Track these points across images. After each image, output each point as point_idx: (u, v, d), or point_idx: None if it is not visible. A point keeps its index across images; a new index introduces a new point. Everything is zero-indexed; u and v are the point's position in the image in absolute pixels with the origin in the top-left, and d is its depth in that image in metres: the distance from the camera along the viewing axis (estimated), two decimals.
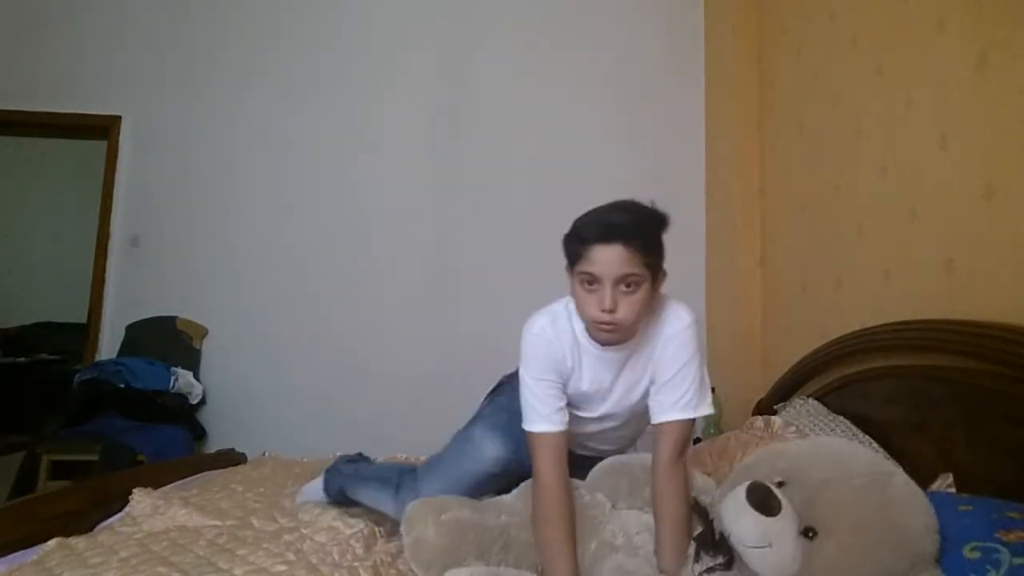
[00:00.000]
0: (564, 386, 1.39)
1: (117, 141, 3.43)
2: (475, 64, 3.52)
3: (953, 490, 1.43)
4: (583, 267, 1.29)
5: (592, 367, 1.39)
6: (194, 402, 3.18)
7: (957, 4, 1.71)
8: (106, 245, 3.39)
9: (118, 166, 3.43)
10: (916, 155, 1.86)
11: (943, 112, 1.75)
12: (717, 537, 1.01)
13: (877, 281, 2.04)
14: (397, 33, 3.52)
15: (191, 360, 3.27)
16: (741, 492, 0.97)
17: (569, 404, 1.40)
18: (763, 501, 0.94)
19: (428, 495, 1.43)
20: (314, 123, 3.46)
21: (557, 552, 1.22)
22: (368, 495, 1.67)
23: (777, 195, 2.87)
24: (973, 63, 1.62)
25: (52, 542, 1.37)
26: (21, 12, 3.49)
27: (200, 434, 3.21)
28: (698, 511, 1.14)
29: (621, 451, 1.62)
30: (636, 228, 1.26)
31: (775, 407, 2.34)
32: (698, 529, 1.12)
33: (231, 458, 2.46)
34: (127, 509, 1.65)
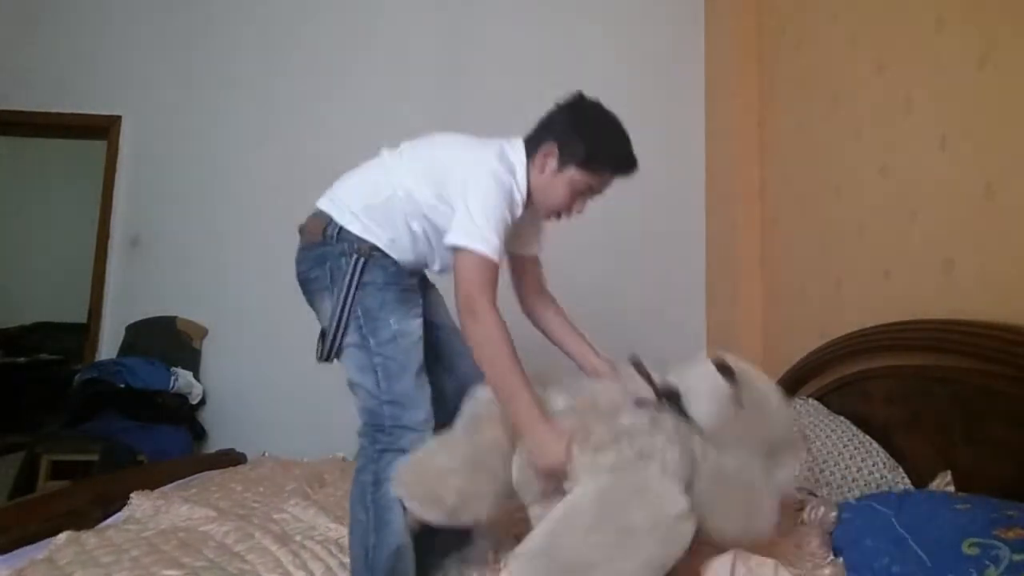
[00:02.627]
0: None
1: (117, 141, 3.42)
2: (473, 65, 3.52)
3: (952, 489, 1.43)
4: (596, 184, 1.46)
5: (514, 227, 1.44)
6: (194, 402, 3.18)
7: (957, 3, 1.71)
8: (106, 245, 3.39)
9: (118, 166, 3.43)
10: (916, 155, 1.86)
11: (943, 112, 1.75)
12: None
13: (877, 281, 2.04)
14: (398, 34, 3.52)
15: (191, 360, 3.26)
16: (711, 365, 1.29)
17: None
18: (728, 370, 1.25)
19: (417, 413, 1.35)
20: (315, 123, 3.46)
21: (521, 383, 1.26)
22: (379, 509, 1.31)
23: (777, 195, 2.88)
24: (973, 63, 1.62)
25: (62, 536, 1.37)
26: (21, 12, 3.49)
27: (200, 434, 3.21)
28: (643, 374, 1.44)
29: None
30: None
31: None
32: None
33: (231, 458, 2.47)
34: (127, 511, 1.65)
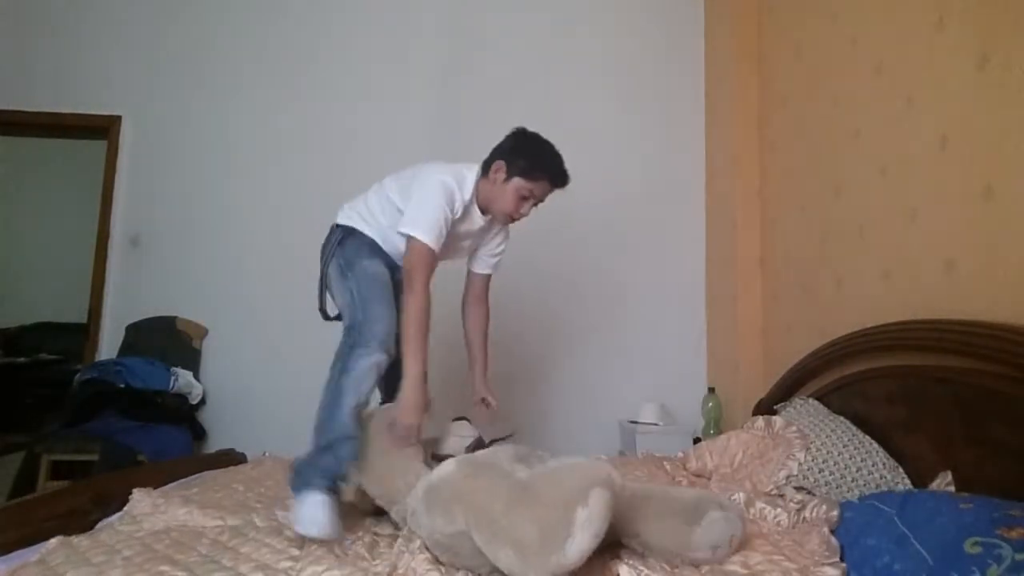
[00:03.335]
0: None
1: (117, 141, 3.43)
2: (473, 66, 3.52)
3: (952, 489, 1.43)
4: (536, 190, 1.85)
5: (465, 222, 1.89)
6: (194, 402, 3.18)
7: (957, 4, 1.71)
8: (106, 245, 3.39)
9: (118, 166, 3.43)
10: (916, 155, 1.86)
11: (943, 112, 1.75)
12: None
13: (877, 281, 2.04)
14: (396, 35, 3.52)
15: (191, 360, 3.26)
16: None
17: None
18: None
19: (382, 322, 1.72)
20: (315, 123, 3.46)
21: (418, 351, 1.69)
22: (352, 388, 1.64)
23: (777, 195, 2.88)
24: (973, 63, 1.62)
25: (54, 541, 1.37)
26: (21, 12, 3.49)
27: (200, 434, 3.21)
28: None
29: None
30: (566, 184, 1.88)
31: (775, 407, 2.34)
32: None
33: (231, 458, 2.46)
34: (127, 508, 1.65)
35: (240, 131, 3.45)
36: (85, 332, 3.40)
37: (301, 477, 1.54)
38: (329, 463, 1.56)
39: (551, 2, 3.58)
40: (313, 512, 1.44)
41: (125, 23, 3.50)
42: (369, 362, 1.66)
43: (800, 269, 2.62)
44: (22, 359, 5.40)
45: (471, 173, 1.88)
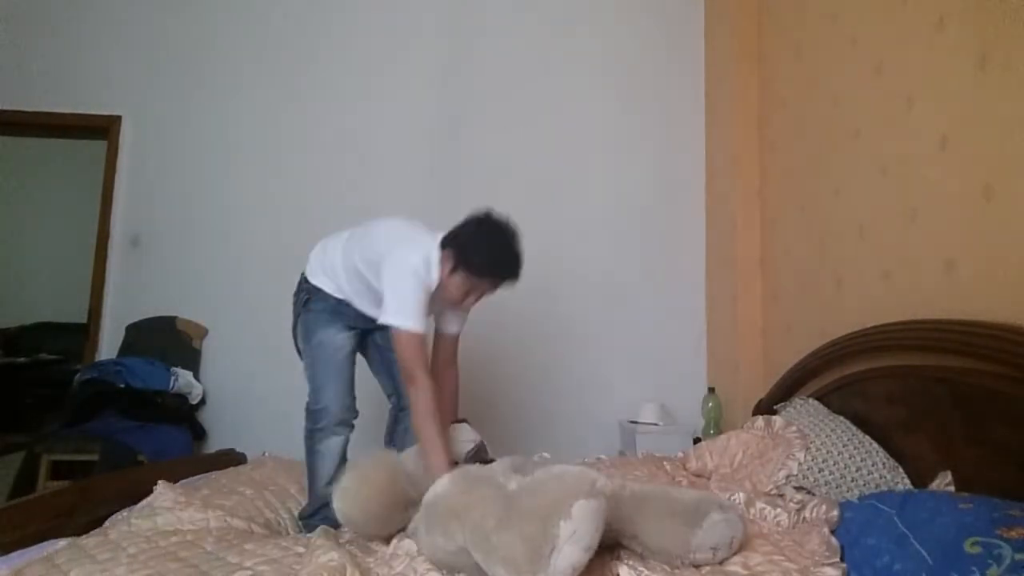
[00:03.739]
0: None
1: (117, 141, 3.42)
2: (473, 68, 3.52)
3: (952, 489, 1.43)
4: (485, 289, 1.84)
5: (436, 296, 1.88)
6: (194, 402, 3.18)
7: (957, 4, 1.71)
8: (106, 245, 3.39)
9: (118, 166, 3.43)
10: (916, 155, 1.86)
11: (943, 112, 1.75)
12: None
13: (877, 281, 2.04)
14: (396, 36, 3.52)
15: (191, 360, 3.26)
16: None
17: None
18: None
19: (335, 406, 1.92)
20: (315, 122, 3.46)
21: (436, 437, 1.69)
22: (320, 467, 1.91)
23: (777, 195, 2.88)
24: (973, 63, 1.62)
25: (62, 542, 1.38)
26: (21, 12, 3.49)
27: (200, 434, 3.21)
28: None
29: None
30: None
31: (775, 407, 2.34)
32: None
33: (231, 458, 2.46)
34: (148, 500, 1.66)
35: (240, 131, 3.45)
36: (85, 332, 3.40)
37: (307, 525, 1.83)
38: (324, 520, 1.76)
39: (551, 2, 3.57)
40: None
41: (125, 23, 3.49)
42: (332, 443, 1.92)
43: (800, 269, 2.62)
44: (22, 359, 5.40)
45: (435, 250, 1.83)
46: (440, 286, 1.83)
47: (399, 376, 1.91)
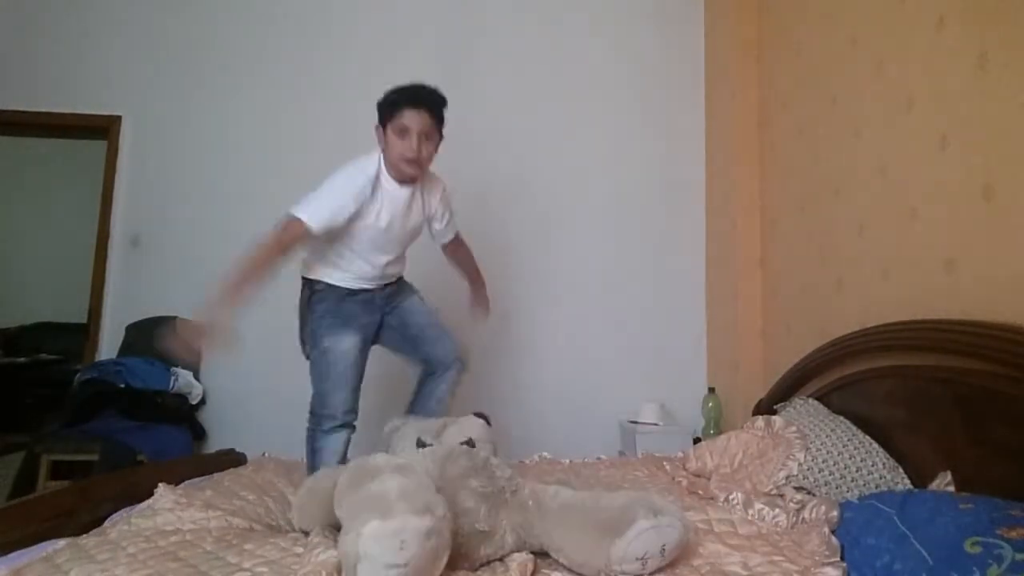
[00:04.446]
0: (354, 216, 1.94)
1: (117, 141, 3.42)
2: (473, 68, 3.51)
3: (952, 489, 1.43)
4: (405, 122, 1.92)
5: (388, 202, 1.98)
6: (194, 402, 3.18)
7: (957, 3, 1.71)
8: (106, 245, 3.39)
9: (118, 166, 3.43)
10: (916, 155, 1.86)
11: (943, 112, 1.75)
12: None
13: (877, 281, 2.04)
14: (397, 37, 3.52)
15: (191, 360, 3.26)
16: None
17: (367, 244, 1.99)
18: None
19: (339, 408, 1.98)
20: (315, 122, 3.46)
21: (245, 263, 1.93)
22: (313, 469, 1.95)
23: (777, 195, 2.88)
24: (973, 63, 1.62)
25: (62, 542, 1.38)
26: (21, 12, 3.49)
27: (200, 434, 3.21)
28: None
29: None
30: (433, 102, 1.97)
31: (775, 407, 2.34)
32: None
33: (231, 458, 2.46)
34: (148, 502, 1.66)
35: (240, 131, 3.45)
36: (85, 332, 3.40)
37: None
38: None
39: (551, 3, 3.57)
40: None
41: (125, 23, 3.49)
42: (333, 440, 1.99)
43: (800, 269, 2.62)
44: (22, 359, 5.40)
45: (373, 158, 2.00)
46: (386, 161, 1.98)
47: (428, 340, 2.11)
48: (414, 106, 1.93)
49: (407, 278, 2.27)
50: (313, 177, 3.86)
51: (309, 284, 2.08)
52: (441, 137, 2.03)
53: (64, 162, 5.89)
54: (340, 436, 2.00)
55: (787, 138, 2.78)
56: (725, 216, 3.18)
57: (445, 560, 1.13)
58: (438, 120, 1.99)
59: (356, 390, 2.04)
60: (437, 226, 2.20)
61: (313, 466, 1.99)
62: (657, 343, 3.38)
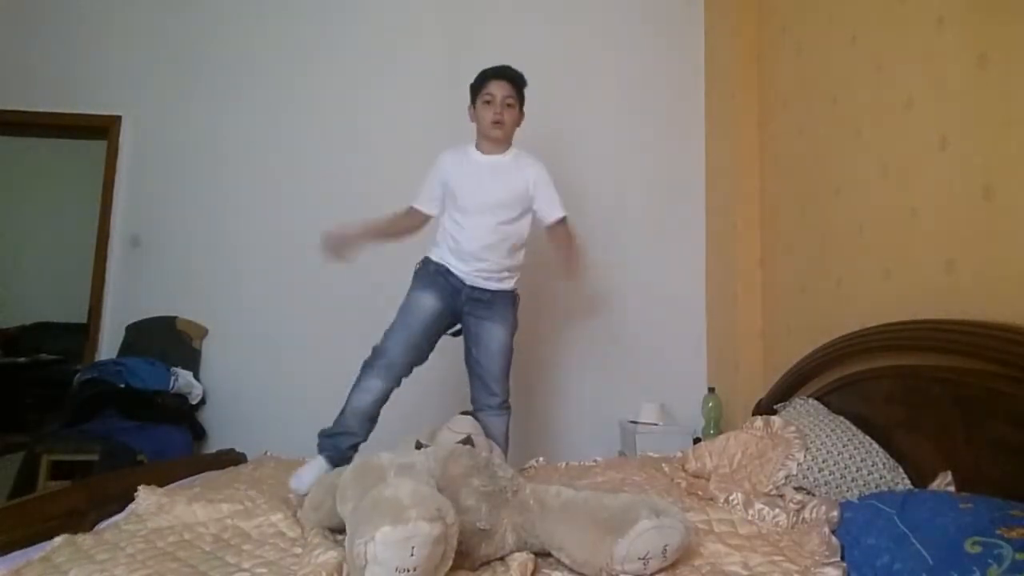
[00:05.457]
0: (445, 186, 2.28)
1: (117, 141, 3.43)
2: (473, 67, 3.49)
3: (952, 489, 1.43)
4: (489, 92, 2.24)
5: (474, 168, 2.27)
6: (194, 402, 3.18)
7: (957, 3, 1.71)
8: (106, 245, 3.39)
9: (118, 166, 3.43)
10: (916, 155, 1.86)
11: (943, 112, 1.75)
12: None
13: (877, 281, 2.04)
14: (397, 37, 3.52)
15: (191, 360, 3.26)
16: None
17: (460, 216, 2.24)
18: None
19: (393, 351, 2.14)
20: (315, 123, 3.46)
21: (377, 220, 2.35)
22: (355, 398, 2.13)
23: (777, 195, 2.88)
24: (973, 63, 1.62)
25: (58, 539, 1.37)
26: (21, 12, 3.49)
27: (200, 434, 3.21)
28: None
29: (498, 278, 2.28)
30: (514, 75, 2.28)
31: (775, 407, 2.34)
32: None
33: (231, 458, 2.46)
34: (131, 507, 1.65)
35: (240, 131, 3.45)
36: (85, 332, 3.40)
37: (320, 444, 2.09)
38: (334, 444, 2.08)
39: (551, 3, 3.58)
40: (307, 470, 1.92)
41: (125, 23, 3.50)
42: (373, 381, 2.12)
43: (800, 269, 2.62)
44: (22, 359, 5.40)
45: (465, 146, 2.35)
46: (477, 136, 2.30)
47: (477, 375, 2.28)
48: (497, 77, 2.24)
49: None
50: (313, 176, 3.89)
51: (424, 258, 2.31)
52: (522, 113, 2.31)
53: (64, 162, 5.89)
54: (378, 383, 2.12)
55: (787, 138, 2.78)
56: (725, 216, 3.18)
57: (450, 563, 1.14)
58: (519, 91, 2.27)
59: (416, 344, 2.17)
60: (537, 205, 2.31)
61: (350, 398, 2.14)
62: (657, 343, 3.38)
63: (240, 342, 3.34)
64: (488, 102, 2.23)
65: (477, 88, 2.28)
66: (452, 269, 2.23)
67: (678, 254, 3.43)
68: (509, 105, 2.24)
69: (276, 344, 3.31)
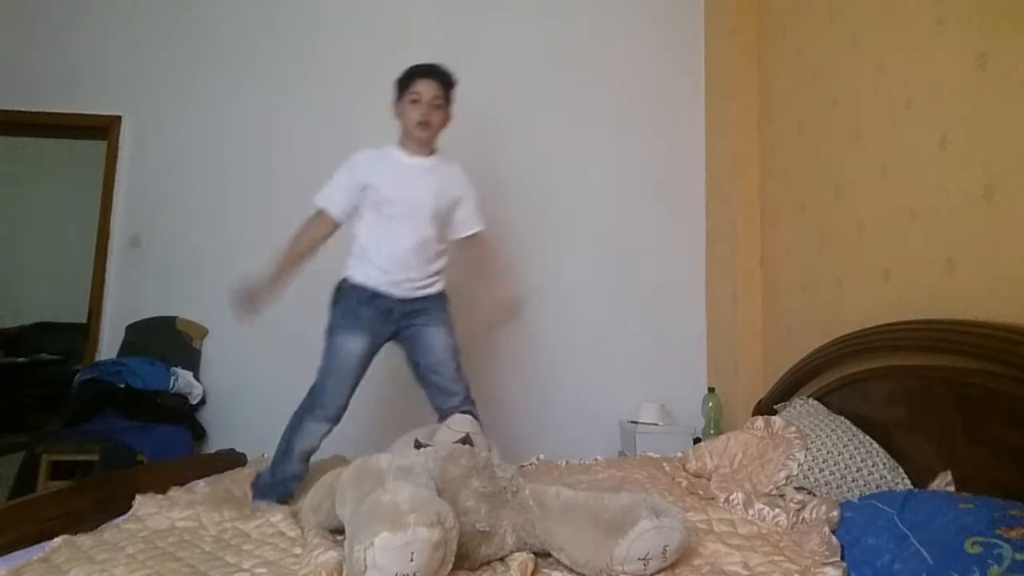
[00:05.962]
0: (364, 188, 2.14)
1: (117, 141, 3.42)
2: (472, 67, 3.50)
3: (952, 488, 1.43)
4: (416, 92, 2.11)
5: (398, 170, 2.14)
6: (194, 402, 3.18)
7: (957, 3, 1.71)
8: (106, 245, 3.38)
9: (118, 166, 3.43)
10: (916, 155, 1.86)
11: (943, 112, 1.75)
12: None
13: (877, 281, 2.04)
14: (396, 36, 3.52)
15: (191, 360, 3.26)
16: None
17: (385, 221, 2.11)
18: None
19: (332, 402, 2.05)
20: (315, 123, 3.46)
21: (286, 252, 2.21)
22: (299, 443, 2.05)
23: (777, 195, 2.88)
24: (973, 63, 1.62)
25: (58, 539, 1.38)
26: (21, 13, 3.49)
27: (200, 434, 3.21)
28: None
29: (423, 282, 2.16)
30: (443, 75, 2.17)
31: (775, 407, 2.34)
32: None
33: (231, 458, 2.46)
34: (131, 512, 1.65)
35: (240, 131, 3.45)
36: (85, 332, 3.40)
37: (261, 491, 2.00)
38: (284, 489, 2.02)
39: (550, 3, 3.57)
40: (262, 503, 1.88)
41: (125, 23, 3.49)
42: (317, 427, 2.05)
43: (800, 269, 2.62)
44: (22, 359, 5.40)
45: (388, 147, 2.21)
46: (401, 135, 2.17)
47: (433, 384, 2.14)
48: (424, 76, 2.12)
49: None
50: (313, 176, 3.88)
51: (342, 279, 2.19)
52: (450, 115, 2.19)
53: (64, 162, 5.89)
54: (323, 428, 2.06)
55: (787, 138, 2.78)
56: (725, 216, 3.18)
57: (450, 567, 1.14)
58: (447, 92, 2.16)
59: (353, 389, 2.10)
60: (460, 214, 2.22)
61: (288, 442, 2.05)
62: (657, 343, 3.38)
63: (240, 342, 3.34)
64: (415, 101, 2.10)
65: (404, 85, 2.14)
66: (379, 289, 2.09)
67: (678, 254, 3.43)
68: (437, 106, 2.12)
69: (276, 344, 3.31)
